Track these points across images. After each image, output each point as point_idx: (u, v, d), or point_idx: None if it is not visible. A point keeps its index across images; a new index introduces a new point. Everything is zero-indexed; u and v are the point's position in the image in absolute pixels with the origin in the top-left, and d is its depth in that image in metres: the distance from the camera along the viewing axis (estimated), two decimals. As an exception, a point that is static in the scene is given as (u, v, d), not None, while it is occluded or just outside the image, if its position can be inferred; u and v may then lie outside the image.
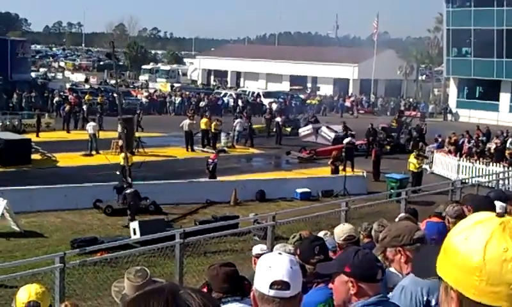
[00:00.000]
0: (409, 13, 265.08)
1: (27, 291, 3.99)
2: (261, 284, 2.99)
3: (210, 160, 27.94)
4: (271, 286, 2.94)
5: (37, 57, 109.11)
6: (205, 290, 4.05)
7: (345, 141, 33.23)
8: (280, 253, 3.21)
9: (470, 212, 5.84)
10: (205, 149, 36.07)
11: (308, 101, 62.59)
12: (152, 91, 67.84)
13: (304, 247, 5.06)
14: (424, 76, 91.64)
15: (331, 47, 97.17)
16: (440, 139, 36.39)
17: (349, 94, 73.80)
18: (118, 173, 25.70)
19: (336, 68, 77.46)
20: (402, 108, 53.05)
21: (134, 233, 18.91)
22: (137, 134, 35.61)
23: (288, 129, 43.26)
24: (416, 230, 4.29)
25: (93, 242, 17.21)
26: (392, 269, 4.24)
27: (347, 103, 66.00)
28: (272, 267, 3.00)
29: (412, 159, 28.28)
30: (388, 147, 36.94)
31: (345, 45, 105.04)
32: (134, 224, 19.21)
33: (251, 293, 3.10)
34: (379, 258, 3.95)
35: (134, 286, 4.23)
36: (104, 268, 14.35)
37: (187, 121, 36.70)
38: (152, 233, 14.83)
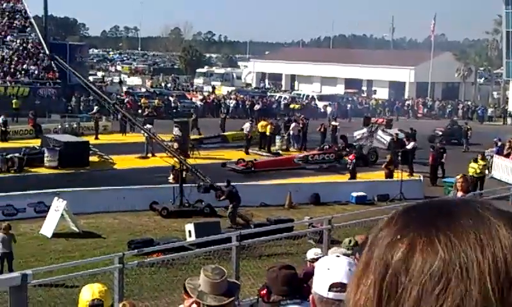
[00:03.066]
0: (466, 15, 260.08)
1: (91, 290, 4.06)
2: (320, 286, 2.98)
3: (349, 160, 30.05)
4: (330, 288, 2.93)
5: (95, 61, 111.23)
6: (264, 292, 4.05)
7: (409, 146, 32.58)
8: (338, 255, 3.19)
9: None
10: (259, 152, 36.17)
11: (292, 105, 59.67)
12: (206, 93, 68.33)
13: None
14: (483, 79, 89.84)
15: (387, 49, 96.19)
16: (499, 143, 35.56)
17: (405, 97, 72.87)
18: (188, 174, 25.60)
19: (392, 71, 76.56)
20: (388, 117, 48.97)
21: (190, 235, 19.09)
22: (192, 137, 35.87)
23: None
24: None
25: (149, 243, 17.41)
26: None
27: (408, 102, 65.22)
28: (330, 269, 2.99)
29: (473, 164, 27.72)
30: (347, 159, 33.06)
31: (401, 48, 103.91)
32: (190, 227, 19.39)
33: (310, 296, 3.09)
34: None
35: (212, 283, 4.30)
36: (160, 269, 14.53)
37: (247, 124, 36.91)
38: (207, 236, 14.93)
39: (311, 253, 7.07)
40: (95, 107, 43.65)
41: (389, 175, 28.69)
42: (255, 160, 31.78)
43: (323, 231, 13.90)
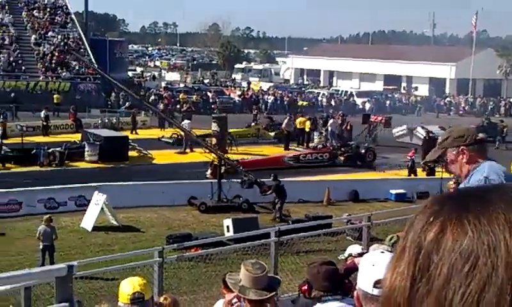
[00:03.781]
0: (509, 11, 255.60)
1: (131, 284, 4.06)
2: (364, 283, 2.96)
3: (408, 157, 29.85)
4: (375, 285, 2.91)
5: (134, 56, 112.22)
6: (305, 287, 4.01)
7: None
8: (382, 252, 3.13)
9: None
10: (298, 148, 36.06)
11: (299, 102, 58.36)
12: (244, 89, 68.39)
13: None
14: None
15: (427, 45, 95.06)
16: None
17: (446, 94, 71.96)
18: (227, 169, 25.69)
19: (432, 68, 75.58)
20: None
21: (228, 231, 19.13)
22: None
23: (272, 134, 39.37)
24: (479, 132, 4.28)
25: (187, 238, 17.47)
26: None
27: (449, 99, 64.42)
28: (375, 265, 2.97)
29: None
30: (342, 158, 32.79)
31: (442, 44, 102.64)
32: (228, 222, 19.43)
33: (355, 292, 3.05)
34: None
35: (254, 278, 4.29)
36: (198, 264, 14.58)
37: (286, 121, 36.86)
38: (245, 231, 14.93)
39: (352, 249, 6.98)
40: (127, 103, 44.19)
41: (430, 173, 28.36)
42: (242, 159, 30.03)
43: (362, 228, 13.79)
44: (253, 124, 39.64)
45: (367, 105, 54.78)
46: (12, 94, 46.61)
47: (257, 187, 23.55)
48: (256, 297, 4.26)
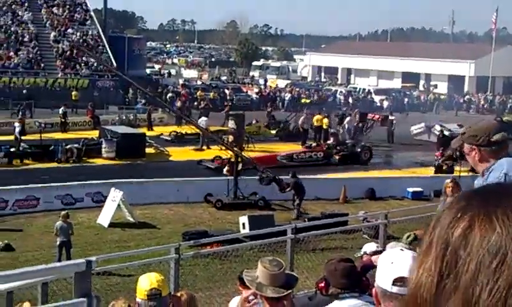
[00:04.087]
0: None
1: (148, 279, 4.06)
2: (383, 280, 2.92)
3: (436, 157, 29.87)
4: (394, 282, 2.88)
5: (152, 54, 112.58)
6: (322, 284, 3.97)
7: None
8: (402, 249, 3.08)
9: None
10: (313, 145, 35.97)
11: (303, 100, 57.72)
12: (261, 86, 68.39)
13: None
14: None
15: (446, 42, 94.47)
16: None
17: (465, 91, 71.45)
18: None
19: (451, 65, 75.04)
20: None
21: (244, 228, 19.12)
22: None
23: (273, 131, 38.78)
24: (496, 132, 4.19)
25: (203, 235, 17.49)
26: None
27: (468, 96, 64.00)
28: (394, 263, 2.94)
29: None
30: (337, 157, 31.94)
31: (461, 41, 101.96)
32: (244, 219, 19.42)
33: (373, 290, 3.02)
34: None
35: (271, 275, 4.26)
36: (214, 261, 14.57)
37: (302, 118, 36.78)
38: (261, 228, 14.89)
39: (368, 247, 6.94)
40: (143, 100, 44.33)
41: (448, 171, 28.14)
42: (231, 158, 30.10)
43: (379, 226, 13.69)
44: (253, 122, 38.96)
45: (385, 103, 54.50)
46: (24, 91, 46.91)
47: (275, 184, 23.53)
48: (274, 295, 4.22)
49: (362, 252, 6.90)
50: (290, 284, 4.40)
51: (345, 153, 32.17)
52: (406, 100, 61.51)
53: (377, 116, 37.52)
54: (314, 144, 32.97)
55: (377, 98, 60.60)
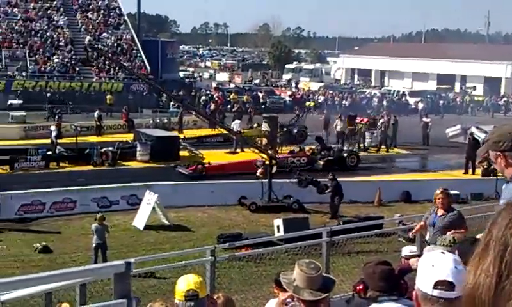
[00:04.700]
0: None
1: (186, 281, 4.07)
2: (424, 283, 2.88)
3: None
4: (435, 286, 2.83)
5: (185, 57, 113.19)
6: (360, 287, 3.94)
7: None
8: (443, 252, 3.04)
9: None
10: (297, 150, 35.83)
11: (307, 103, 56.17)
12: (294, 89, 68.26)
13: (465, 248, 4.80)
14: None
15: (482, 44, 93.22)
16: None
17: (501, 93, 70.40)
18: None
19: (487, 66, 73.96)
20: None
21: (278, 230, 19.09)
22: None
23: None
24: None
25: (238, 237, 17.49)
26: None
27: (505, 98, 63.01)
28: (435, 266, 2.89)
29: None
30: (322, 162, 30.30)
31: (497, 42, 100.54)
32: (278, 222, 19.39)
33: (414, 293, 2.98)
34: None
35: (308, 278, 4.24)
36: (249, 263, 14.57)
37: (339, 122, 36.55)
38: (296, 231, 14.85)
39: (406, 250, 6.88)
40: (171, 103, 44.51)
41: (485, 173, 27.78)
42: (209, 163, 28.94)
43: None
44: (255, 125, 38.03)
45: (420, 105, 53.93)
46: (48, 95, 47.52)
47: (313, 186, 23.48)
48: (311, 298, 4.19)
49: (404, 255, 6.86)
50: (328, 287, 4.37)
51: (330, 158, 30.63)
52: (442, 102, 60.80)
53: (365, 120, 36.14)
54: (297, 149, 31.52)
55: (411, 101, 60.08)
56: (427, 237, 10.38)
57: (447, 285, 2.83)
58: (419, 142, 39.01)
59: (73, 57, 53.00)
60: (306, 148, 31.60)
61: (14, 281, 3.14)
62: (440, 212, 10.13)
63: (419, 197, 25.09)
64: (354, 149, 31.96)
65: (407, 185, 26.15)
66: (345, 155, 31.12)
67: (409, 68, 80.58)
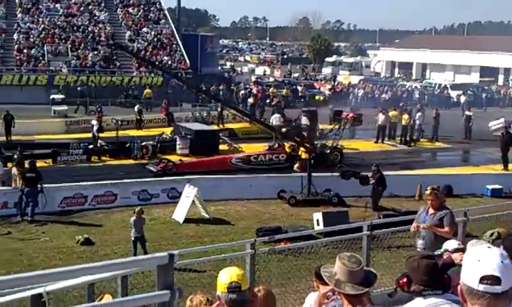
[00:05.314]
0: None
1: (229, 273, 4.08)
2: (469, 278, 2.85)
3: None
4: (481, 280, 2.82)
5: (224, 51, 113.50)
6: (404, 281, 3.88)
7: None
8: (489, 247, 2.99)
9: None
10: (389, 142, 35.54)
11: (317, 97, 55.65)
12: (334, 83, 67.94)
13: (509, 243, 4.72)
14: None
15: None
16: None
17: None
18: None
19: (532, 59, 72.57)
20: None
21: (318, 224, 19.03)
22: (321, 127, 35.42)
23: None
24: None
25: (277, 231, 17.48)
26: None
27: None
28: (481, 260, 2.87)
29: None
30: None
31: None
32: (318, 215, 19.33)
33: (458, 287, 2.93)
34: None
35: (349, 271, 4.24)
36: (288, 257, 14.54)
37: (381, 116, 36.21)
38: (335, 225, 14.77)
39: (450, 244, 6.78)
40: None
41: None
42: (180, 160, 28.17)
43: (458, 224, 13.34)
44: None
45: (462, 98, 53.16)
46: (79, 88, 48.11)
47: (355, 178, 23.36)
48: (353, 292, 4.16)
49: (443, 250, 6.76)
50: (370, 281, 4.33)
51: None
52: (484, 95, 59.83)
53: (351, 115, 34.67)
54: (276, 145, 30.29)
55: (453, 94, 59.28)
56: (419, 242, 10.31)
57: (494, 280, 2.80)
58: (461, 136, 38.46)
59: (114, 52, 53.56)
60: (287, 144, 30.12)
61: (61, 272, 3.18)
62: (431, 210, 10.10)
63: (461, 192, 24.75)
64: (339, 146, 30.31)
65: (449, 179, 25.78)
66: (327, 151, 29.72)
67: (451, 61, 79.46)
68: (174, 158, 28.42)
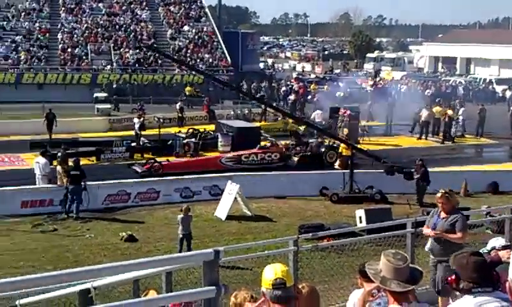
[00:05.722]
0: None
1: (273, 270, 4.08)
2: None
3: None
4: None
5: (265, 48, 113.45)
6: (452, 278, 3.82)
7: None
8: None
9: None
10: (433, 138, 35.11)
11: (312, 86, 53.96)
12: (376, 79, 67.31)
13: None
14: None
15: None
16: None
17: None
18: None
19: None
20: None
21: (360, 221, 18.90)
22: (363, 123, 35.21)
23: (302, 127, 33.01)
24: None
25: (320, 228, 17.41)
26: None
27: None
28: None
29: None
30: (296, 158, 28.30)
31: None
32: (360, 212, 19.21)
33: (507, 285, 2.86)
34: None
35: (395, 268, 4.18)
36: (330, 254, 14.47)
37: (425, 111, 35.76)
38: (378, 222, 14.63)
39: (497, 242, 6.67)
40: (258, 94, 44.65)
41: None
42: (167, 161, 27.34)
43: (504, 221, 13.10)
44: (279, 118, 36.85)
45: (508, 93, 52.15)
46: (114, 86, 48.54)
47: (398, 173, 23.15)
48: (399, 289, 4.11)
49: (490, 248, 6.66)
50: (415, 278, 4.27)
51: (306, 154, 28.59)
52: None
53: (348, 112, 33.51)
54: (270, 144, 29.46)
55: (499, 89, 58.20)
56: (428, 245, 10.09)
57: None
58: (507, 132, 37.75)
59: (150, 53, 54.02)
60: (281, 143, 29.80)
61: (110, 267, 3.21)
62: (442, 214, 9.82)
63: (507, 188, 24.33)
64: (335, 145, 29.10)
65: (495, 175, 25.36)
66: (322, 150, 28.95)
67: (496, 55, 77.92)
68: (162, 158, 27.59)
